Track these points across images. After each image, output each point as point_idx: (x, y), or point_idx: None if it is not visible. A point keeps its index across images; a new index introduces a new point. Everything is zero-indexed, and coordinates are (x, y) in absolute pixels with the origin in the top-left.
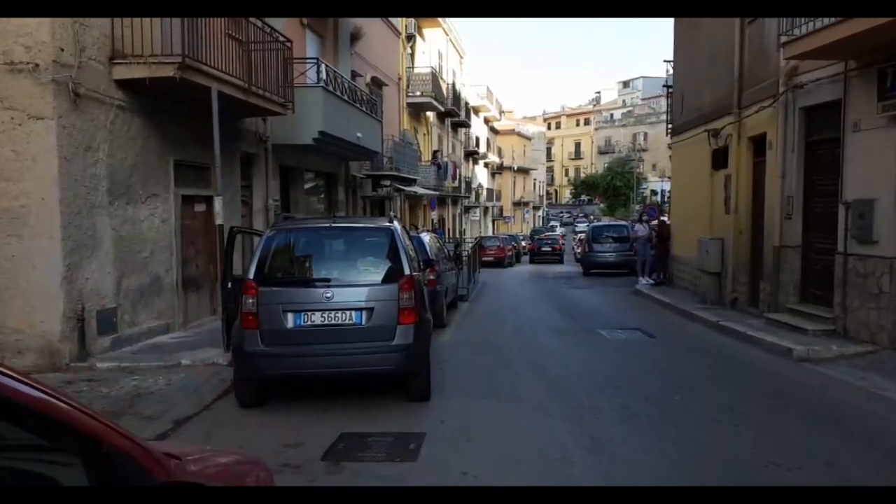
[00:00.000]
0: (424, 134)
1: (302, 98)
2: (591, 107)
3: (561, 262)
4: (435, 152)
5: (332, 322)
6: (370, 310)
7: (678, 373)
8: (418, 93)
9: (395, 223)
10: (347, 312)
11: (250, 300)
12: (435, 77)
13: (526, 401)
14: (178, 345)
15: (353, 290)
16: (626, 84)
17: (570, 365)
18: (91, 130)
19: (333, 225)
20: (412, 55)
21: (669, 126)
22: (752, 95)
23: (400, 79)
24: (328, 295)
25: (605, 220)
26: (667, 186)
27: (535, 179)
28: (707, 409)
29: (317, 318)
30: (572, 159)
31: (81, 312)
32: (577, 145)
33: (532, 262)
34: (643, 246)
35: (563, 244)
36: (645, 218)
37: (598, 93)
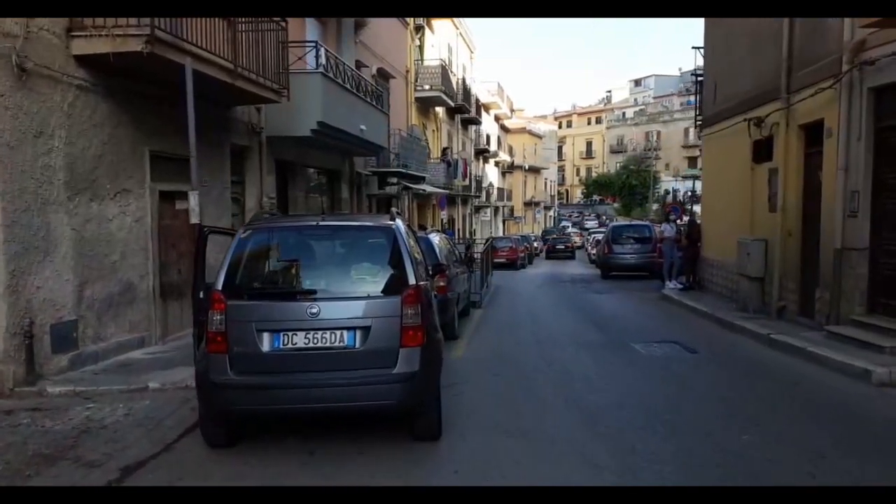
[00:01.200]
0: (434, 130)
1: (299, 85)
2: (602, 106)
3: (573, 257)
4: (444, 149)
5: (319, 345)
6: (366, 329)
7: (737, 401)
8: (427, 87)
9: (398, 221)
10: (338, 332)
11: (217, 316)
12: (445, 70)
13: (561, 442)
14: (151, 362)
15: (344, 304)
16: (637, 82)
17: (606, 390)
18: (43, 113)
19: (322, 224)
20: (420, 47)
21: (699, 118)
22: (804, 77)
23: (408, 71)
24: (314, 310)
25: (621, 220)
26: (681, 186)
27: (546, 179)
28: (791, 455)
29: (299, 340)
30: (583, 158)
31: (30, 327)
32: (589, 144)
33: (548, 258)
34: (670, 247)
35: (574, 243)
36: (672, 217)
37: (609, 92)
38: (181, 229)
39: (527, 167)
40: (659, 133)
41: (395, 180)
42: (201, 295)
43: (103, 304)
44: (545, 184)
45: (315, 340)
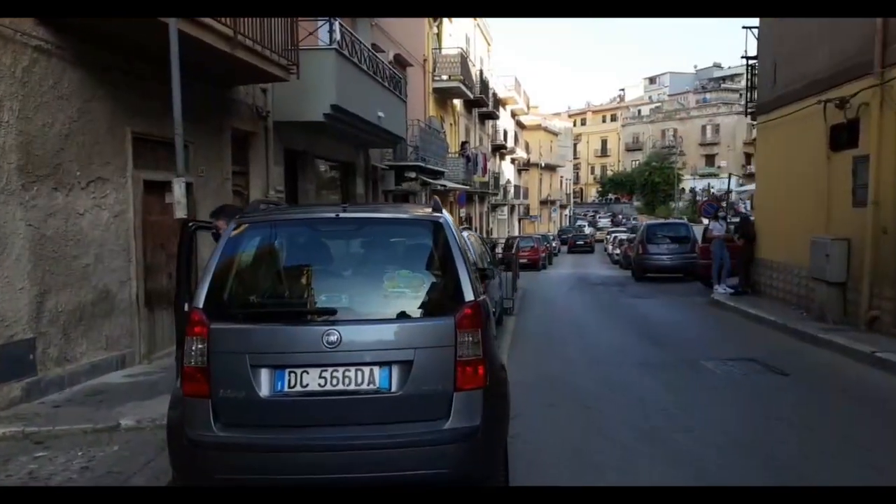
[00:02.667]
0: (451, 124)
1: (311, 64)
2: (615, 104)
3: (592, 251)
4: (464, 143)
5: (340, 387)
6: (406, 364)
7: (883, 449)
8: (445, 77)
9: (445, 214)
10: (366, 370)
11: (197, 345)
12: (464, 59)
13: None
14: (131, 389)
15: (375, 328)
16: (652, 80)
17: (695, 427)
18: None
19: (343, 216)
20: (439, 35)
21: (751, 105)
22: None
23: (425, 60)
24: (332, 338)
25: (642, 218)
26: (700, 185)
27: (561, 177)
28: None
29: (312, 381)
30: (598, 157)
31: None
32: (604, 142)
33: (570, 252)
34: (720, 248)
35: (593, 239)
36: (722, 214)
37: (623, 90)
38: (171, 226)
39: (543, 165)
40: (676, 131)
41: (413, 175)
42: (186, 307)
43: (71, 318)
44: (561, 182)
45: (334, 381)
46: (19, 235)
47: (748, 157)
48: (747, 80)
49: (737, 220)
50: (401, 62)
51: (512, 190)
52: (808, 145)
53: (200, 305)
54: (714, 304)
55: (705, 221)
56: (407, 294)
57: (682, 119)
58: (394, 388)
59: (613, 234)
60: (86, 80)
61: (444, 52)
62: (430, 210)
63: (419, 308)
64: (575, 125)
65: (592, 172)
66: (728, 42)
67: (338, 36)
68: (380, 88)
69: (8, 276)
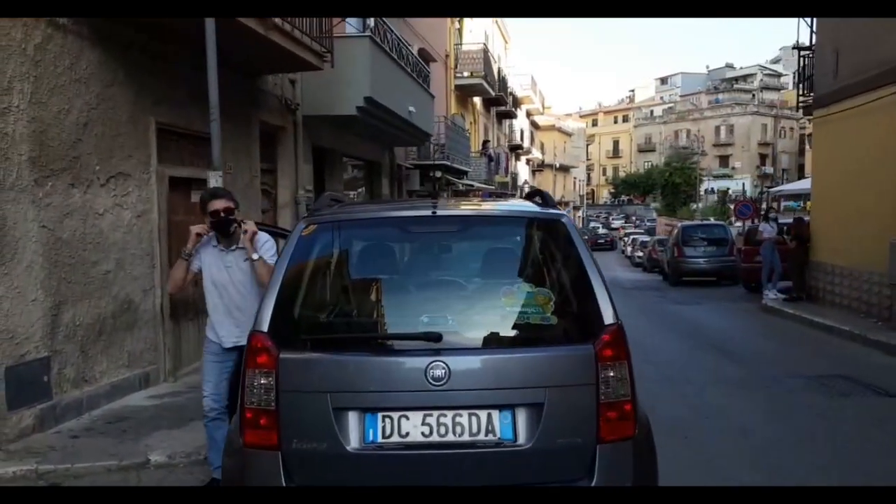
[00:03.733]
0: (471, 122)
1: (343, 52)
2: (625, 105)
3: (613, 249)
4: (485, 142)
5: (449, 438)
6: (535, 408)
7: None
8: (466, 73)
9: (566, 213)
10: (482, 415)
11: (261, 381)
12: (487, 55)
13: None
14: (157, 413)
15: (494, 360)
16: (663, 81)
17: (830, 466)
18: None
19: (440, 213)
20: (460, 31)
21: (805, 97)
22: None
23: (447, 56)
24: (438, 372)
25: (656, 220)
26: (716, 185)
27: (574, 178)
28: None
29: (413, 429)
30: (610, 158)
31: None
32: (616, 143)
33: (593, 250)
34: (771, 250)
35: (613, 237)
36: (773, 215)
37: (633, 91)
38: None
39: (557, 165)
40: (689, 131)
41: (438, 174)
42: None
43: (90, 332)
44: (574, 183)
45: (442, 429)
46: (31, 238)
47: (763, 157)
48: (798, 73)
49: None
50: (424, 57)
51: (527, 191)
52: (880, 139)
53: (265, 329)
54: (768, 311)
55: (737, 223)
56: (530, 314)
57: (696, 120)
58: (520, 440)
59: (632, 237)
60: (106, 62)
61: (465, 47)
62: (538, 203)
63: (548, 333)
64: (586, 126)
65: (604, 174)
66: (741, 42)
67: (371, 22)
68: (410, 81)
69: (19, 285)
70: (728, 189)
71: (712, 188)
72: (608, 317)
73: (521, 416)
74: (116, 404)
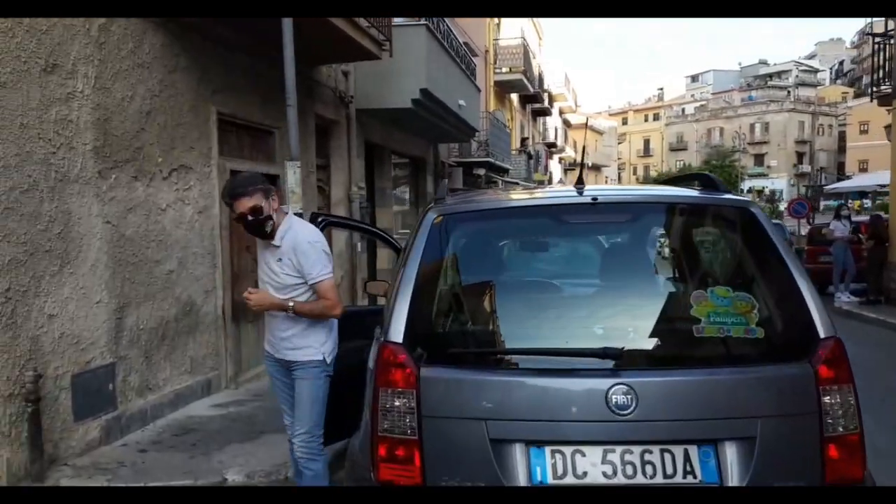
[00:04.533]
0: (509, 119)
1: (398, 41)
2: (655, 103)
3: None
4: (524, 139)
5: (638, 480)
6: (746, 443)
7: None
8: (505, 69)
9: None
10: (678, 452)
11: (399, 403)
12: (526, 50)
13: None
14: (224, 424)
15: (689, 383)
16: (694, 78)
17: None
18: (56, 36)
19: (602, 199)
20: (499, 25)
21: (880, 86)
22: None
23: (487, 51)
24: (621, 398)
25: None
26: (751, 184)
27: (606, 177)
28: None
29: (592, 467)
30: (641, 157)
31: (35, 384)
32: (646, 142)
33: None
34: (843, 250)
35: None
36: (845, 213)
37: (661, 89)
38: None
39: (589, 164)
40: (722, 129)
41: (482, 171)
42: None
43: (153, 337)
44: (605, 182)
45: (628, 469)
46: (96, 236)
47: (799, 155)
48: (873, 61)
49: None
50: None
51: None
52: None
53: (399, 339)
54: (844, 315)
55: (791, 222)
56: (730, 325)
57: (729, 117)
58: (730, 481)
59: None
60: (168, 47)
61: (503, 43)
62: (701, 188)
63: (754, 349)
64: (617, 125)
65: (634, 173)
66: (775, 38)
67: None
68: (460, 74)
69: (84, 286)
70: (764, 188)
71: (749, 187)
72: (824, 329)
73: (729, 454)
74: (180, 414)
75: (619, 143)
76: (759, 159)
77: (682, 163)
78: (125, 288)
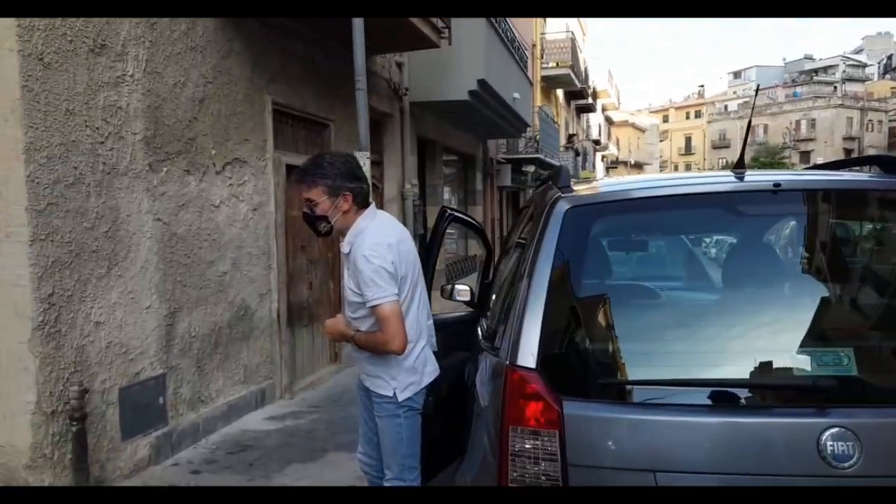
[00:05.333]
0: (556, 115)
1: (456, 31)
2: (695, 100)
3: None
4: (571, 136)
5: None
6: None
7: None
8: (552, 63)
9: None
10: None
11: (530, 442)
12: (574, 45)
13: None
14: (282, 440)
15: None
16: (737, 75)
17: None
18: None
19: (784, 187)
20: (545, 20)
21: None
22: None
23: (534, 46)
24: (841, 446)
25: None
26: None
27: None
28: None
29: None
30: (682, 155)
31: (81, 399)
32: (688, 140)
33: None
34: None
35: None
36: None
37: (702, 86)
38: None
39: (632, 162)
40: (767, 126)
41: (531, 168)
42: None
43: (205, 344)
44: None
45: None
46: (146, 234)
47: (847, 152)
48: None
49: None
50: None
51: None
52: None
53: (532, 363)
54: None
55: None
56: None
57: (774, 114)
58: None
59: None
60: (222, 30)
61: (550, 36)
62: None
63: None
64: (658, 123)
65: (676, 171)
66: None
67: None
68: (515, 66)
69: (133, 290)
70: None
71: None
72: None
73: None
74: (233, 427)
75: (660, 141)
76: (805, 156)
77: (724, 161)
78: (176, 291)
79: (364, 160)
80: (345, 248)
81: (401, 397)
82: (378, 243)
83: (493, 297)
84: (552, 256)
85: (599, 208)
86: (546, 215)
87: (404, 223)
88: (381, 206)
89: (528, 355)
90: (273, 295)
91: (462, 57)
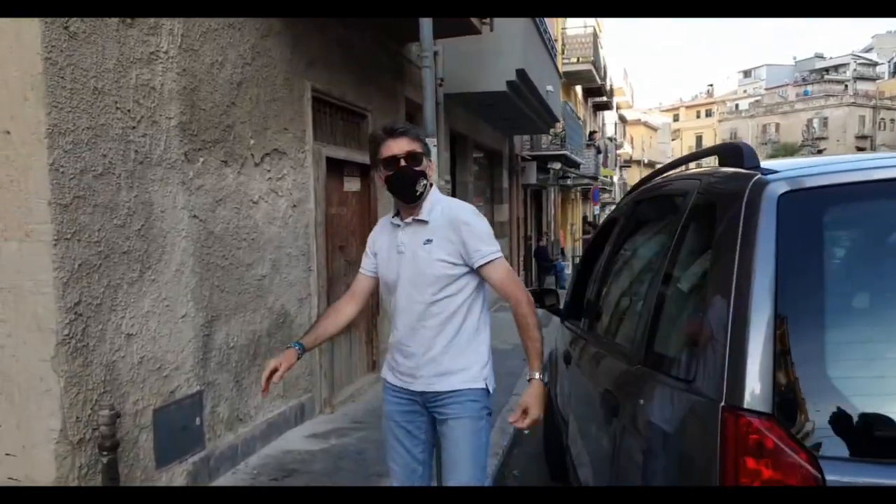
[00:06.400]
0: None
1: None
2: (705, 98)
3: None
4: (592, 133)
5: None
6: None
7: None
8: (574, 59)
9: None
10: None
11: None
12: (595, 39)
13: None
14: (330, 463)
15: None
16: (747, 73)
17: None
18: None
19: None
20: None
21: None
22: None
23: (555, 41)
24: None
25: None
26: None
27: None
28: None
29: None
30: None
31: (112, 425)
32: (699, 139)
33: None
34: None
35: None
36: None
37: (711, 85)
38: (351, 222)
39: (645, 161)
40: (778, 125)
41: (557, 165)
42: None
43: (244, 356)
44: None
45: None
46: (181, 233)
47: (860, 151)
48: None
49: None
50: None
51: (617, 188)
52: None
53: (767, 408)
54: None
55: None
56: None
57: (786, 113)
58: None
59: None
60: None
61: (571, 32)
62: None
63: None
64: (670, 121)
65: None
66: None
67: None
68: (548, 57)
69: (167, 297)
70: None
71: None
72: None
73: None
74: (274, 448)
75: (672, 140)
76: (816, 155)
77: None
78: (214, 297)
79: (432, 146)
80: (424, 215)
81: (492, 389)
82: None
83: (619, 307)
84: (772, 260)
85: (832, 193)
86: (745, 206)
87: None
88: None
89: (755, 394)
90: (313, 300)
91: (500, 46)
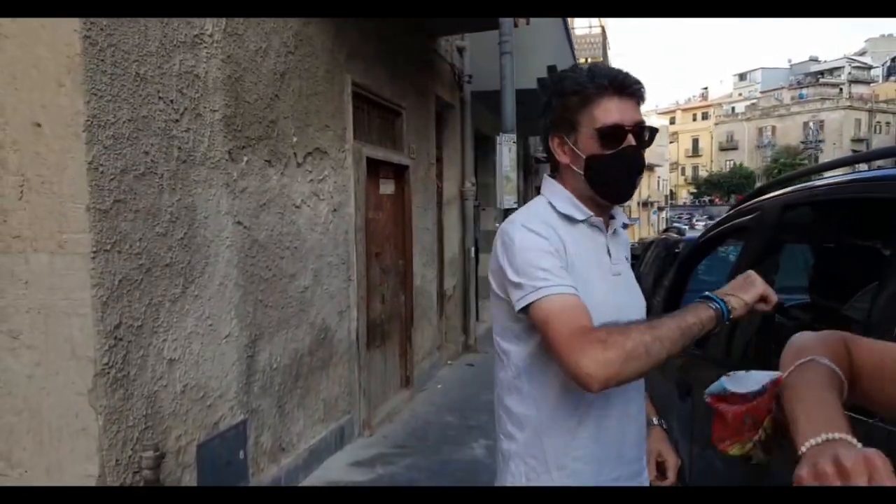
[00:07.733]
0: None
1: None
2: (701, 101)
3: None
4: None
5: None
6: None
7: None
8: (582, 59)
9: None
10: None
11: None
12: (605, 38)
13: None
14: (373, 484)
15: None
16: (742, 76)
17: None
18: None
19: None
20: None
21: None
22: None
23: None
24: None
25: None
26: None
27: (658, 177)
28: None
29: None
30: (689, 157)
31: (157, 468)
32: (695, 142)
33: None
34: None
35: None
36: None
37: (705, 88)
38: (386, 227)
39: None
40: (774, 128)
41: None
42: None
43: (287, 378)
44: (658, 182)
45: None
46: (225, 242)
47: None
48: None
49: None
50: None
51: None
52: None
53: None
54: None
55: None
56: None
57: (782, 116)
58: None
59: None
60: None
61: (580, 31)
62: None
63: None
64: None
65: (683, 173)
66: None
67: None
68: (570, 55)
69: (210, 315)
70: None
71: None
72: None
73: None
74: (316, 478)
75: (669, 143)
76: (816, 161)
77: (732, 163)
78: (257, 314)
79: (510, 146)
80: (620, 218)
81: None
82: None
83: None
84: None
85: None
86: None
87: (464, 226)
88: (440, 206)
89: None
90: (353, 313)
91: (530, 42)
